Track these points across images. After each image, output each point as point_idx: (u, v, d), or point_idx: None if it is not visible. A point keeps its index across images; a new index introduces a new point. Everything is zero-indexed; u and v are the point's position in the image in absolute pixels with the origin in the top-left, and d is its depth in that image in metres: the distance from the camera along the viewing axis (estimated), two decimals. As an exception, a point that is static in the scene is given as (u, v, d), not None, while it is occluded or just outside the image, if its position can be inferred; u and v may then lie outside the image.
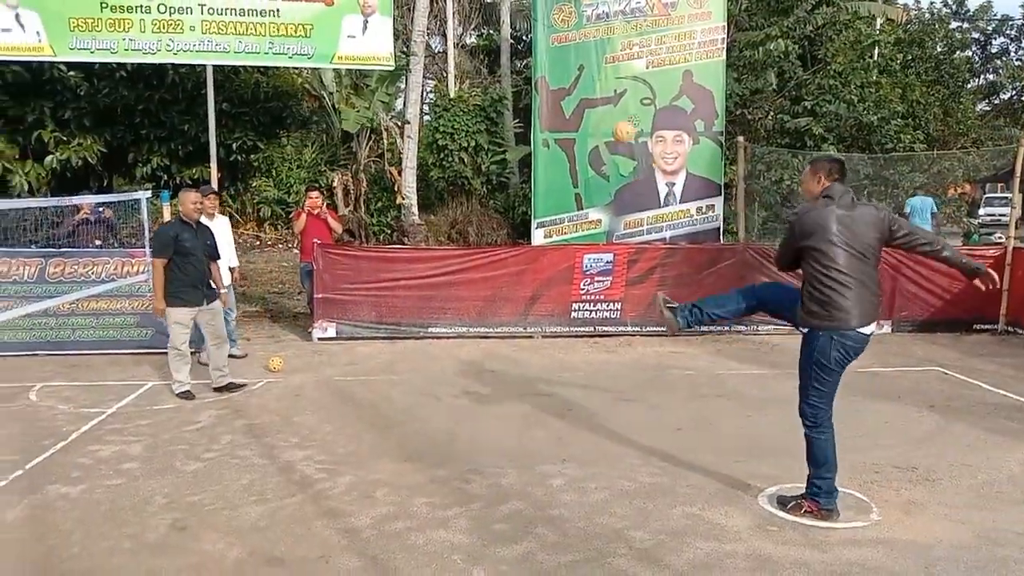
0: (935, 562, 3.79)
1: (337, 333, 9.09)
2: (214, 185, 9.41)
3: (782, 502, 4.44)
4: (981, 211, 22.91)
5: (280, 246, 17.99)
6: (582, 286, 9.32)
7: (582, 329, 9.36)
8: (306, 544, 4.03)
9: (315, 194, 9.37)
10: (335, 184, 16.78)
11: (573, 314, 9.37)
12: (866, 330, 4.16)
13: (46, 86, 10.18)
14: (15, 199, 9.82)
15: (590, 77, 9.52)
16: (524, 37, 23.79)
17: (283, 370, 7.67)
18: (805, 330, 4.29)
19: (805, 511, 4.30)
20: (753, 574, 3.69)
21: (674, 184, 9.75)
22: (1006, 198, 24.65)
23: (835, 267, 4.09)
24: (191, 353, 7.04)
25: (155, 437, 5.76)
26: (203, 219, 7.49)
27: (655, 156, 9.72)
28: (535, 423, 6.07)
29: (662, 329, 9.31)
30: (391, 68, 10.16)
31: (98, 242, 9.14)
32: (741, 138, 10.70)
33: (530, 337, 9.27)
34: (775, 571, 3.72)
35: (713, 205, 9.81)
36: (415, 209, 16.09)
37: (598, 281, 9.31)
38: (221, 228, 8.16)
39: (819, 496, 4.29)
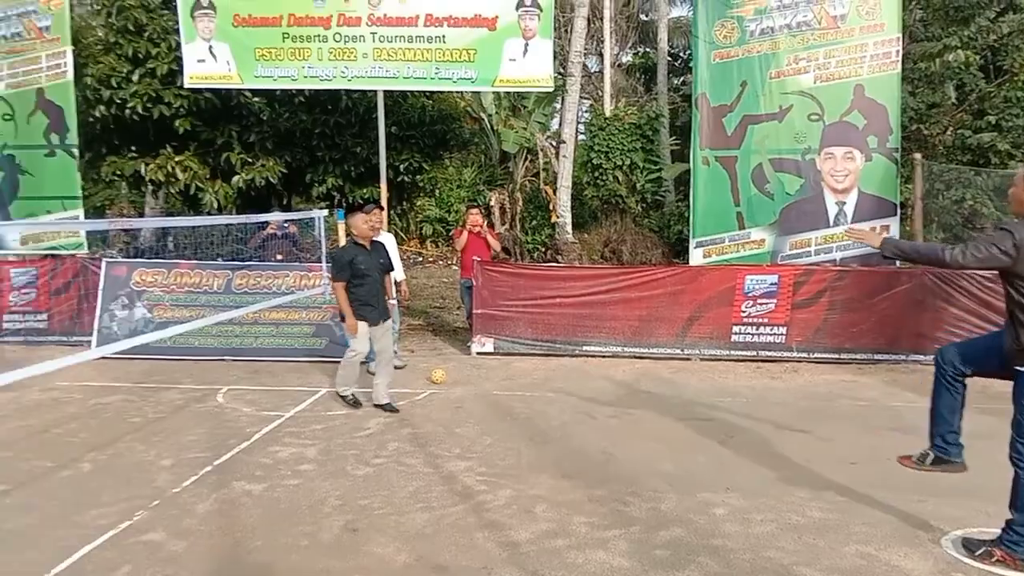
0: None
1: (495, 348, 9.29)
2: (383, 203, 9.87)
3: (969, 547, 4.10)
4: None
5: (440, 262, 18.63)
6: (743, 308, 9.04)
7: (743, 353, 9.07)
8: (469, 554, 4.13)
9: (476, 212, 9.67)
10: (492, 203, 17.21)
11: (733, 337, 9.09)
12: None
13: (233, 111, 11.08)
14: (207, 216, 10.72)
15: (753, 93, 9.25)
16: (682, 54, 23.52)
17: (445, 382, 7.91)
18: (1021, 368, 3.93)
19: (997, 560, 3.95)
20: (939, 623, 3.44)
21: (845, 203, 9.27)
22: None
23: None
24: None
25: (328, 441, 6.09)
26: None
27: (824, 174, 9.29)
28: (695, 448, 5.94)
29: (832, 356, 8.90)
30: (550, 89, 10.32)
31: (279, 256, 9.83)
32: (918, 155, 10.05)
33: (687, 359, 9.08)
34: (964, 622, 3.44)
35: (888, 226, 9.24)
36: (569, 227, 16.21)
37: (761, 303, 9.01)
38: (389, 243, 8.55)
39: (1017, 545, 3.92)
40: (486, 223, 9.73)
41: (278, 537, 4.34)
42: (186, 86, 9.80)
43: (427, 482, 5.20)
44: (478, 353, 9.29)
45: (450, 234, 17.80)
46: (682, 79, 23.85)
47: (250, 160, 11.17)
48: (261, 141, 11.24)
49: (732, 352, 9.08)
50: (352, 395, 7.13)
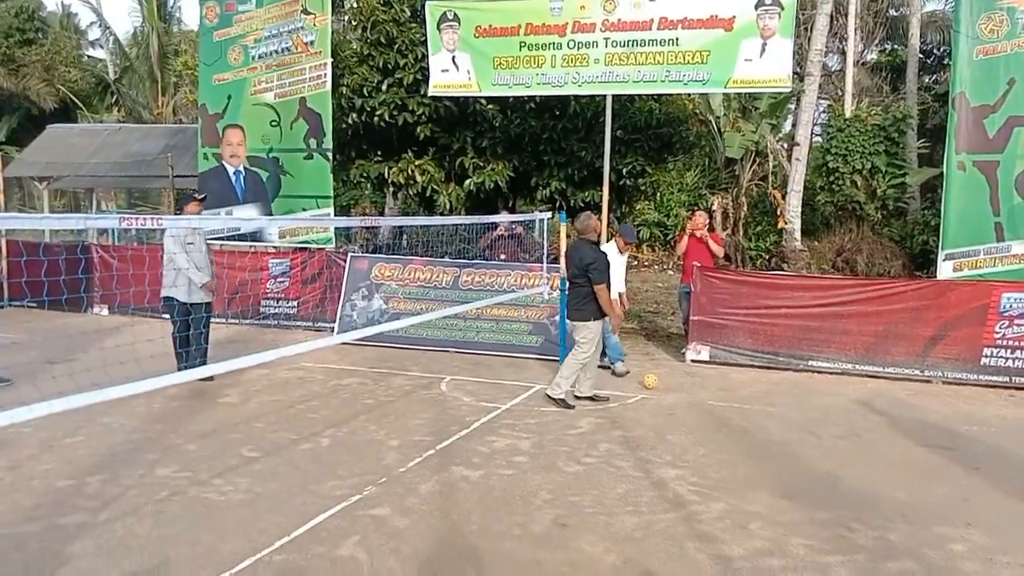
0: None
1: (711, 357, 9.04)
2: (604, 209, 9.97)
3: None
4: None
5: (656, 267, 18.49)
6: (998, 329, 8.12)
7: (994, 378, 8.15)
8: (678, 564, 4.07)
9: (701, 215, 9.47)
10: (715, 207, 16.80)
11: (983, 360, 8.19)
12: None
13: (469, 118, 11.65)
14: (441, 216, 11.38)
15: (1022, 92, 8.27)
16: (935, 51, 21.61)
17: (657, 388, 7.83)
18: None
19: None
20: None
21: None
22: None
23: None
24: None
25: (541, 436, 6.25)
26: (618, 252, 8.20)
27: (1101, 181, 8.14)
28: (933, 477, 5.43)
29: (1105, 388, 7.78)
30: (787, 90, 9.87)
31: (503, 256, 10.23)
32: None
33: (927, 381, 8.32)
34: None
35: None
36: (797, 234, 15.45)
37: (1019, 324, 8.05)
38: (625, 259, 8.61)
39: None
40: (707, 228, 9.46)
41: (492, 524, 4.52)
42: (430, 95, 10.46)
43: (637, 486, 5.18)
44: (693, 361, 9.09)
45: (668, 239, 17.63)
46: (934, 77, 21.92)
47: (481, 164, 11.70)
48: (492, 146, 11.73)
49: (981, 376, 8.19)
50: (562, 395, 7.18)
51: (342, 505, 4.73)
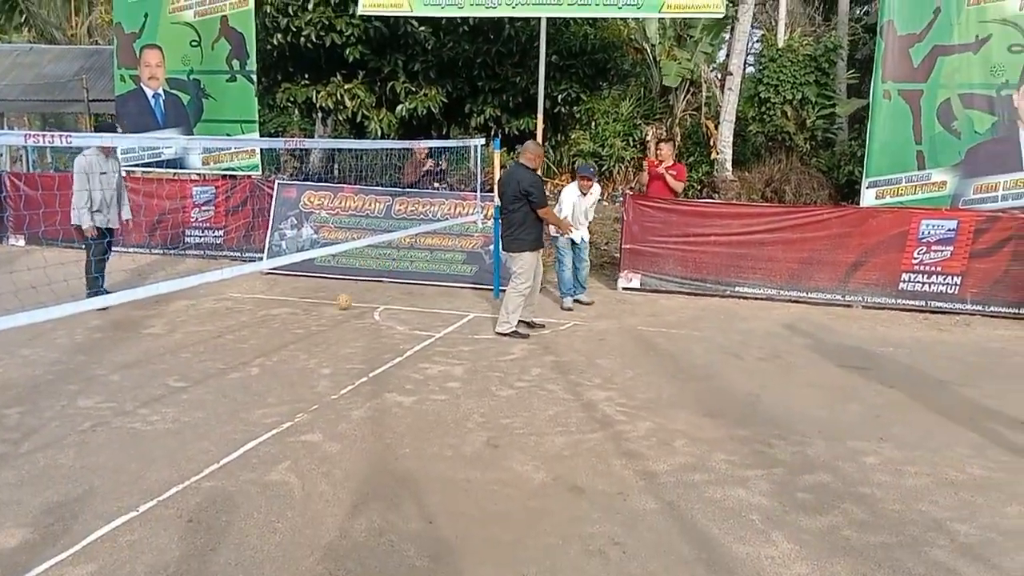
0: None
1: (641, 284, 9.19)
2: (539, 136, 9.88)
3: None
4: None
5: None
6: (916, 255, 8.43)
7: (911, 303, 8.50)
8: (605, 479, 4.18)
9: (664, 147, 9.41)
10: (648, 137, 16.79)
11: (901, 285, 8.52)
12: None
13: (400, 40, 11.30)
14: (373, 140, 11.13)
15: (947, 21, 8.38)
16: (867, -20, 21.69)
17: (349, 307, 8.03)
18: None
19: None
20: (1112, 598, 3.16)
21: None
22: None
23: None
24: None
25: (474, 362, 6.29)
26: (579, 195, 8.21)
27: (1021, 111, 8.38)
28: (850, 396, 5.67)
29: (1010, 310, 8.19)
30: (720, 15, 9.81)
31: (436, 184, 10.10)
32: None
33: (848, 306, 8.62)
34: None
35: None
36: (729, 165, 15.60)
37: (935, 251, 8.36)
38: (595, 193, 8.55)
39: None
40: (669, 161, 9.34)
41: (424, 447, 4.56)
42: (359, 14, 10.06)
43: (567, 408, 5.28)
44: (624, 288, 9.22)
45: (605, 169, 17.65)
46: (865, 8, 22.08)
47: (414, 89, 11.42)
48: (425, 70, 11.44)
49: (899, 301, 8.53)
50: (513, 328, 7.13)
51: (273, 432, 4.71)
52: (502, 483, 4.11)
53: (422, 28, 11.15)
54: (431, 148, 10.75)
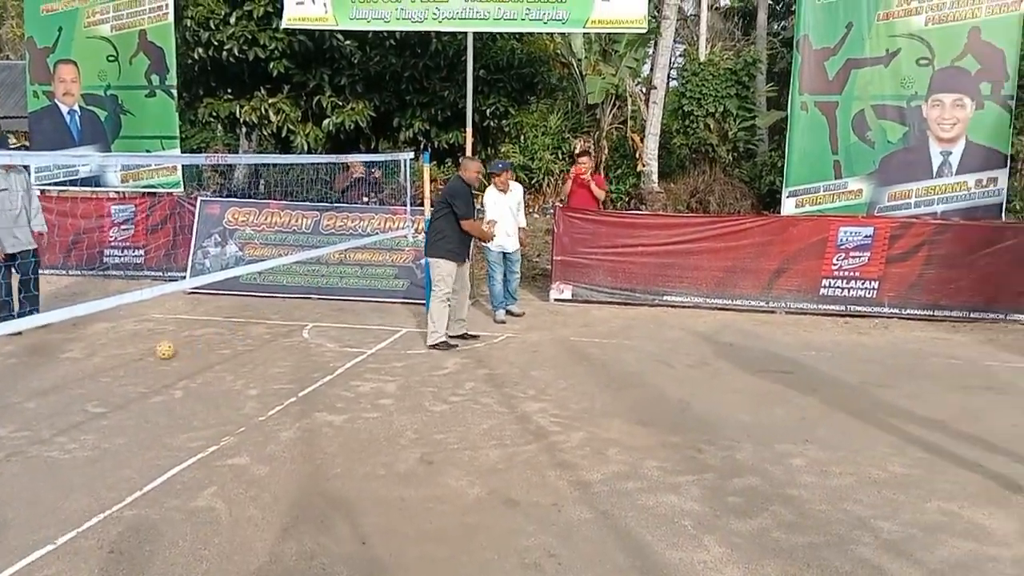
0: None
1: (573, 295, 9.26)
2: (468, 150, 9.89)
3: None
4: None
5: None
6: (835, 261, 8.72)
7: (831, 307, 8.78)
8: (540, 491, 4.18)
9: (584, 159, 9.56)
10: (577, 151, 16.99)
11: (822, 291, 8.80)
12: None
13: (326, 54, 11.15)
14: (300, 155, 10.95)
15: (859, 35, 8.74)
16: (783, -3, 22.45)
17: (172, 356, 6.74)
18: None
19: None
20: (1024, 586, 3.30)
21: (950, 153, 8.74)
22: None
23: None
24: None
25: (407, 378, 6.23)
26: (498, 193, 8.31)
27: (930, 122, 8.77)
28: (776, 400, 5.81)
29: (925, 312, 8.53)
30: (643, 31, 10.01)
31: (365, 199, 10.00)
32: (1036, 103, 9.39)
33: (772, 312, 8.85)
34: (1052, 587, 3.29)
35: (996, 178, 8.70)
36: (655, 176, 15.90)
37: (854, 256, 8.66)
38: (516, 193, 8.63)
39: None
40: (591, 171, 9.55)
41: (357, 466, 4.49)
42: (283, 27, 9.90)
43: (501, 421, 5.26)
44: (556, 300, 9.28)
45: (535, 182, 17.77)
46: (782, 23, 22.83)
47: (340, 103, 11.28)
48: (351, 84, 11.32)
49: (820, 306, 8.80)
50: (442, 338, 7.17)
51: (198, 457, 4.56)
52: (437, 499, 4.07)
53: (348, 42, 11.04)
54: (364, 162, 10.66)
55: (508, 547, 3.58)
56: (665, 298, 9.06)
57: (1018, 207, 9.97)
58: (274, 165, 12.17)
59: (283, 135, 11.40)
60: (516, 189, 8.65)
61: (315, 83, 11.23)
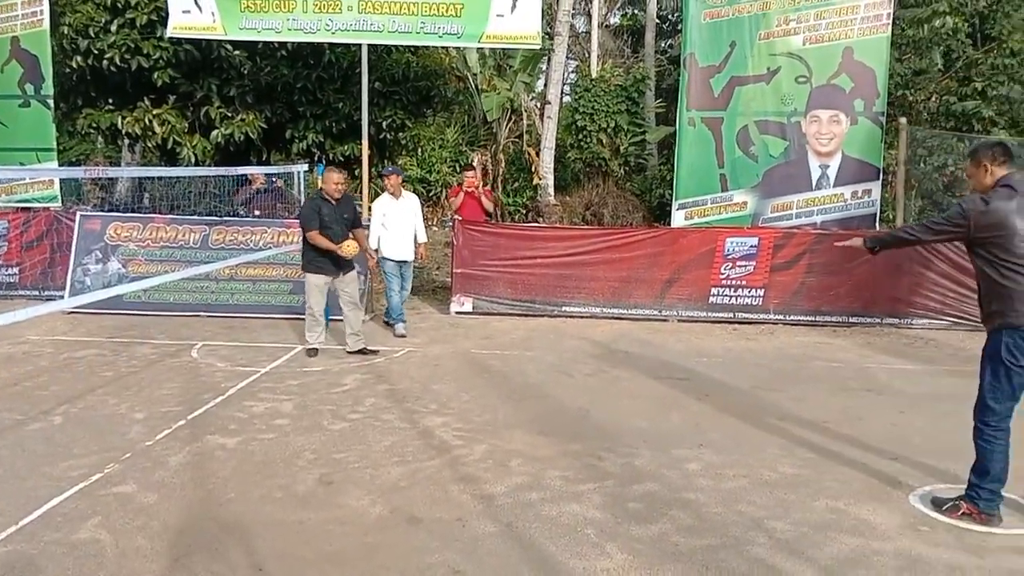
0: (1116, 581, 3.45)
1: (474, 308, 9.26)
2: (364, 163, 9.77)
3: (937, 503, 4.16)
4: None
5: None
6: (723, 270, 9.05)
7: (720, 315, 9.11)
8: (443, 506, 4.14)
9: (471, 173, 9.66)
10: (475, 164, 17.07)
11: (712, 299, 9.12)
12: None
13: (214, 64, 10.79)
14: (187, 168, 10.54)
15: (742, 54, 9.16)
16: (670, 16, 23.27)
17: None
18: (992, 331, 3.98)
19: (963, 513, 4.02)
20: (903, 574, 3.48)
21: (828, 166, 9.26)
22: None
23: (1013, 261, 3.81)
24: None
25: (304, 396, 6.07)
26: (391, 198, 8.19)
27: (808, 137, 9.26)
28: (671, 406, 5.97)
29: (807, 318, 8.95)
30: (538, 47, 10.15)
31: (257, 212, 9.71)
32: (903, 120, 10.03)
33: (665, 320, 9.11)
34: (926, 573, 3.49)
35: (870, 190, 9.26)
36: (551, 190, 16.14)
37: (740, 266, 9.02)
38: (411, 204, 8.53)
39: (979, 500, 3.99)
40: (481, 184, 9.68)
41: (252, 489, 4.33)
42: (168, 36, 9.53)
43: (403, 437, 5.20)
44: (457, 312, 9.27)
45: (433, 195, 17.72)
46: (669, 42, 23.63)
47: (229, 115, 10.94)
48: (241, 95, 10.99)
49: (710, 314, 9.12)
50: (312, 346, 7.32)
51: (80, 486, 4.30)
52: (337, 521, 3.97)
53: (237, 52, 10.73)
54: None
55: (411, 566, 3.53)
56: (564, 309, 9.19)
57: (890, 216, 10.60)
58: (159, 178, 11.66)
59: (169, 147, 10.95)
60: (412, 199, 8.61)
61: (203, 93, 10.86)
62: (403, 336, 8.17)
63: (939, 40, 13.76)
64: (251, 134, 10.89)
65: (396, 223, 8.21)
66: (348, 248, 7.09)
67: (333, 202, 7.19)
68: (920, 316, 8.89)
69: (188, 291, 9.01)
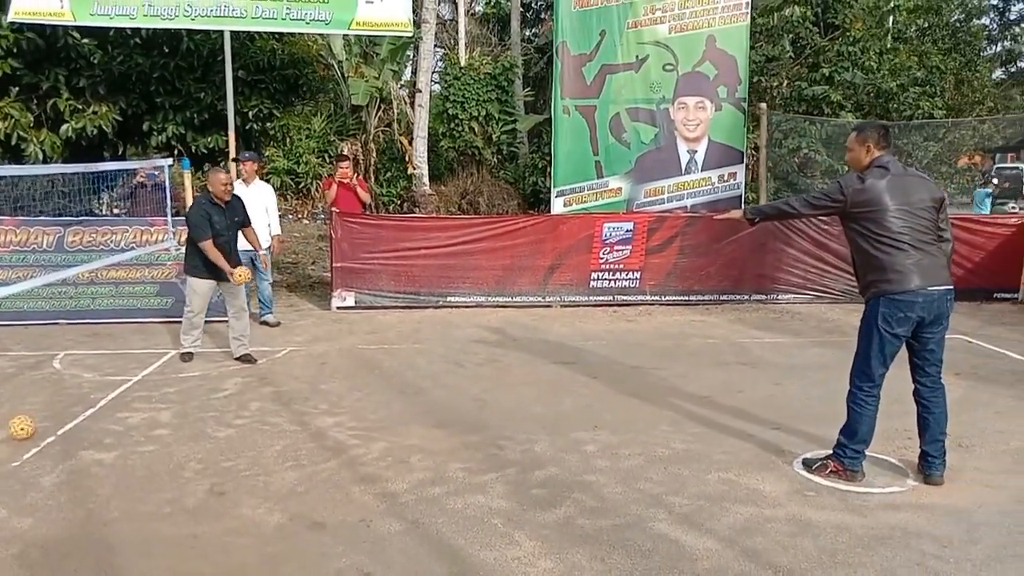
0: (976, 526, 3.79)
1: (356, 302, 9.08)
2: (231, 155, 9.34)
3: (807, 464, 4.46)
4: (994, 181, 22.78)
5: (290, 216, 17.93)
6: (601, 255, 9.27)
7: (601, 298, 9.33)
8: (346, 509, 4.04)
9: (346, 164, 9.38)
10: (347, 154, 16.67)
11: (592, 283, 9.33)
12: (931, 289, 4.07)
13: (60, 53, 10.00)
14: (37, 166, 9.75)
15: (612, 43, 9.38)
16: (534, 4, 23.52)
17: (29, 436, 5.06)
18: (869, 300, 4.26)
19: (831, 471, 4.34)
20: (796, 538, 3.69)
21: (696, 151, 9.67)
22: (1017, 168, 24.52)
23: (887, 235, 4.08)
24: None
25: (183, 404, 5.76)
26: (240, 186, 7.65)
27: (677, 123, 9.62)
28: (563, 391, 6.06)
29: (681, 298, 9.31)
30: (409, 35, 10.03)
31: (117, 211, 9.11)
32: (764, 104, 10.57)
33: (548, 306, 9.25)
34: (817, 535, 3.71)
35: (735, 173, 9.74)
36: (426, 179, 16.00)
37: (617, 250, 9.26)
38: (263, 194, 8.19)
39: (844, 458, 4.30)
40: (356, 175, 9.44)
41: (137, 506, 4.07)
42: (9, 21, 8.73)
43: (295, 440, 5.03)
44: (339, 308, 9.05)
45: (302, 187, 17.21)
46: (533, 30, 23.90)
47: (80, 107, 10.18)
48: (92, 86, 10.23)
49: (591, 298, 9.32)
50: (187, 350, 6.97)
51: (-64, 518, 3.91)
52: (235, 532, 3.80)
53: (86, 40, 9.98)
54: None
55: (318, 573, 3.43)
56: (449, 299, 9.15)
57: (751, 198, 11.18)
58: (2, 177, 10.73)
59: (13, 143, 10.08)
60: (264, 188, 8.31)
61: (49, 85, 10.06)
62: (278, 324, 8.16)
63: (789, 28, 14.59)
64: (105, 127, 10.19)
65: (251, 207, 7.73)
66: (240, 276, 6.57)
67: (223, 205, 6.72)
68: (784, 292, 9.42)
69: (44, 298, 8.36)
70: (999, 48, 30.66)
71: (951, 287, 4.16)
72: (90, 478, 4.43)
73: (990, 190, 14.48)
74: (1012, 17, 31.79)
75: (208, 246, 6.54)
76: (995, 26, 30.86)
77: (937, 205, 4.17)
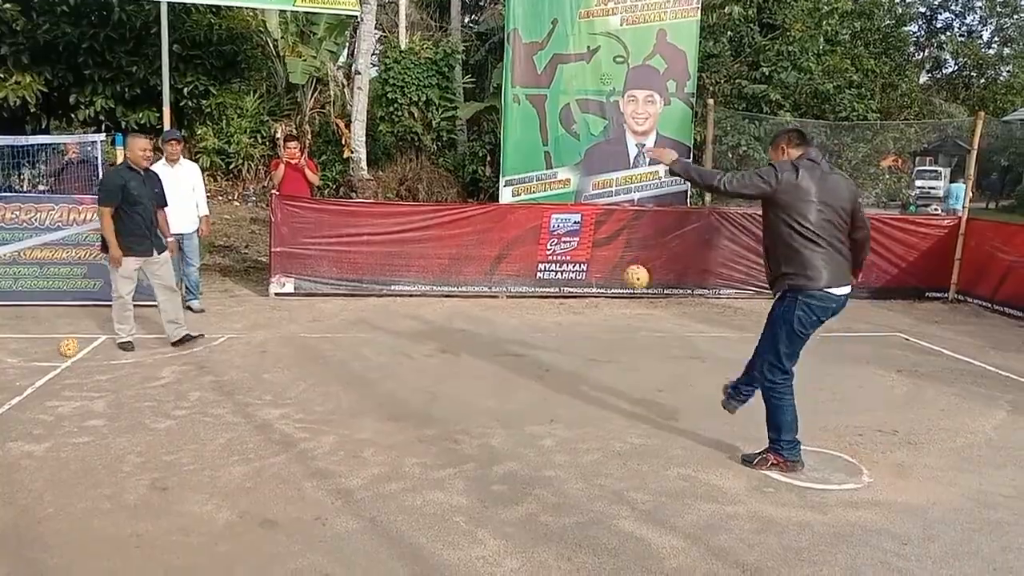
0: (932, 524, 3.86)
1: (296, 288, 8.80)
2: (166, 128, 8.93)
3: (747, 459, 4.48)
4: (918, 183, 23.71)
5: (220, 197, 17.32)
6: (549, 246, 9.21)
7: (548, 290, 9.28)
8: (299, 505, 3.87)
9: (294, 144, 9.06)
10: (278, 135, 16.16)
11: (539, 274, 9.26)
12: (837, 291, 4.18)
13: (-21, 20, 9.45)
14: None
15: (564, 32, 9.30)
16: (475, -10, 23.28)
17: (73, 351, 6.32)
18: (778, 293, 4.32)
19: (772, 464, 4.38)
20: (760, 535, 3.69)
21: (644, 145, 9.69)
22: (936, 171, 25.57)
23: (809, 227, 4.12)
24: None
25: (118, 393, 5.46)
26: (166, 165, 7.24)
27: (626, 116, 9.62)
28: (515, 384, 5.98)
29: (627, 291, 9.33)
30: (356, 13, 9.76)
31: (42, 188, 8.61)
32: (711, 100, 10.66)
33: (495, 297, 9.14)
34: (780, 532, 3.73)
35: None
36: (364, 164, 15.67)
37: (565, 242, 9.21)
38: (190, 173, 7.84)
39: (782, 451, 4.35)
40: (305, 155, 9.10)
41: (74, 502, 3.82)
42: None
43: (239, 433, 4.81)
44: (277, 294, 8.76)
45: (233, 167, 16.65)
46: (474, 17, 23.67)
47: (2, 76, 9.58)
48: (15, 55, 9.63)
49: (538, 289, 9.26)
50: (125, 339, 6.58)
51: None
52: (181, 531, 3.59)
53: (8, 6, 9.39)
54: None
55: (274, 574, 3.26)
56: (393, 287, 8.95)
57: (695, 194, 11.28)
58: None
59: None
60: (190, 167, 8.00)
61: (-33, 53, 9.47)
62: (202, 311, 7.89)
63: (730, 26, 14.77)
64: (28, 98, 9.62)
65: (172, 193, 7.24)
66: (115, 263, 6.29)
67: (141, 172, 6.43)
68: (726, 287, 9.54)
69: (-41, 278, 7.84)
70: (926, 54, 31.89)
71: (850, 288, 4.30)
72: (20, 472, 4.15)
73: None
74: (938, 25, 33.11)
75: (106, 213, 6.24)
76: (923, 32, 32.07)
77: (853, 206, 4.27)
